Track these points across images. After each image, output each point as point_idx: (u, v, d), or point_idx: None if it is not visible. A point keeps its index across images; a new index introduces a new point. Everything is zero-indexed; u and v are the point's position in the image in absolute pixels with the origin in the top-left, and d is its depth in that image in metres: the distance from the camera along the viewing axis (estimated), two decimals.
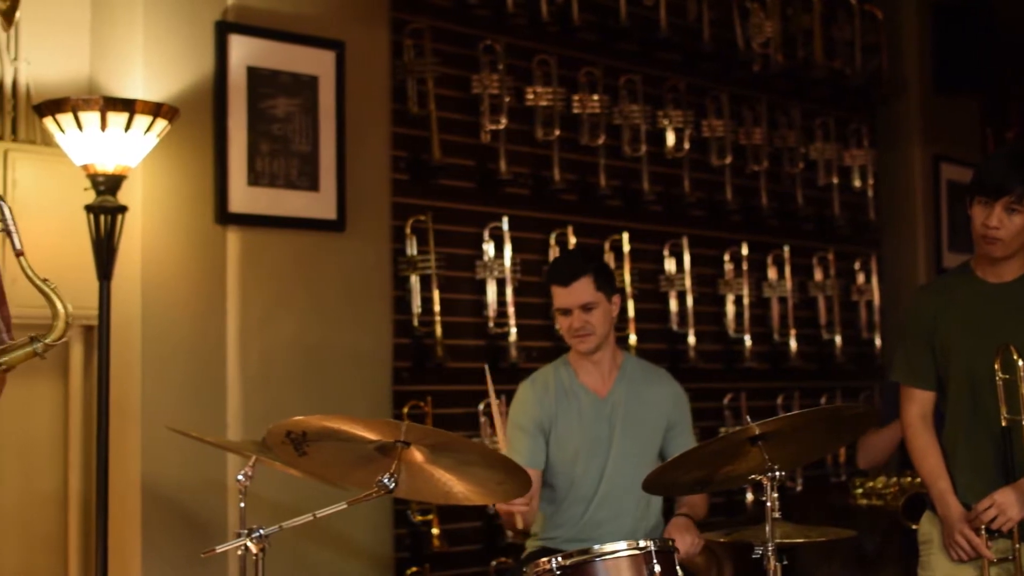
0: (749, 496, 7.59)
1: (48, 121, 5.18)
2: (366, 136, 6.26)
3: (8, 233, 3.18)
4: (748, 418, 4.30)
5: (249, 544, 3.65)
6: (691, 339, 7.59)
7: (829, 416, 4.53)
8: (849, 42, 8.75)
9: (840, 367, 8.57)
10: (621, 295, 5.19)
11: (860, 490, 6.24)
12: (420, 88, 6.53)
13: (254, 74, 5.87)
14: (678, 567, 4.34)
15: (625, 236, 7.30)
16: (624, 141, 7.39)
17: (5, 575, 5.44)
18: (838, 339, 8.55)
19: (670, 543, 4.40)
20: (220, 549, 3.72)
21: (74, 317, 3.33)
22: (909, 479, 6.05)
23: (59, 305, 3.27)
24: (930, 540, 4.67)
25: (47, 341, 3.27)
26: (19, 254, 3.20)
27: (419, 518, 6.31)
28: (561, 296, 5.07)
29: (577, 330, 5.06)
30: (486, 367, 4.94)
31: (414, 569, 6.30)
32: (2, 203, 3.20)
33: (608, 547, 4.29)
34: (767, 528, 4.13)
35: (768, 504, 4.14)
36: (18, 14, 5.34)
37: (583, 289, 5.03)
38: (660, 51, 7.66)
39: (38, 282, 3.24)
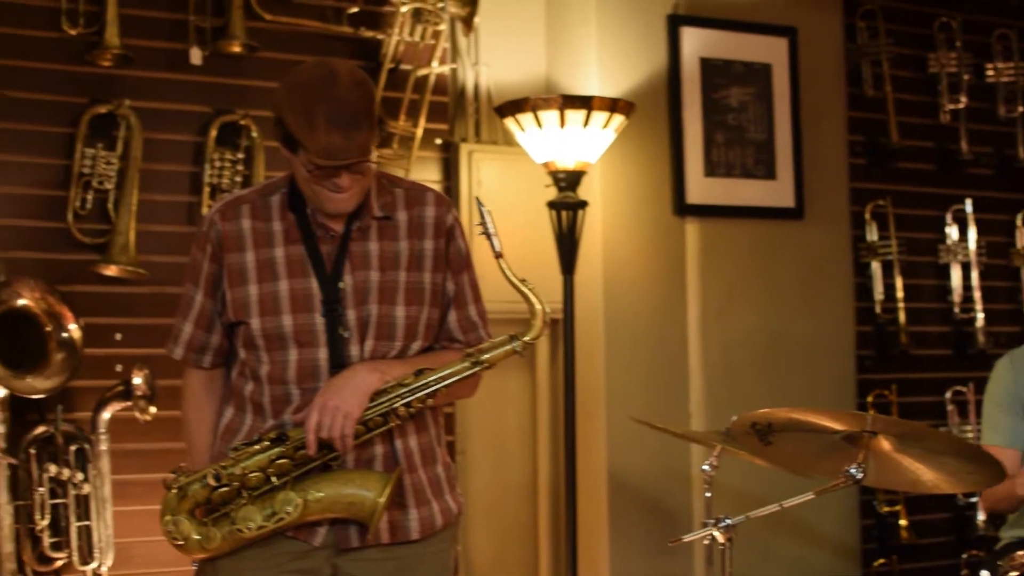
0: None
1: (509, 121, 5.33)
2: (821, 122, 6.20)
3: (488, 236, 3.25)
4: None
5: (716, 534, 3.65)
6: None
7: None
8: None
9: None
10: None
11: None
12: (875, 70, 6.44)
13: (707, 65, 5.89)
14: None
15: None
16: None
17: (480, 561, 5.63)
18: None
19: None
20: (687, 539, 3.73)
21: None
22: None
23: (537, 304, 3.30)
24: None
25: (526, 339, 3.31)
26: (498, 256, 3.26)
27: (886, 509, 6.21)
28: None
29: None
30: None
31: (881, 561, 6.20)
32: (483, 208, 3.27)
33: None
34: None
35: None
36: (476, 19, 5.51)
37: None
38: None
39: (516, 282, 3.29)
